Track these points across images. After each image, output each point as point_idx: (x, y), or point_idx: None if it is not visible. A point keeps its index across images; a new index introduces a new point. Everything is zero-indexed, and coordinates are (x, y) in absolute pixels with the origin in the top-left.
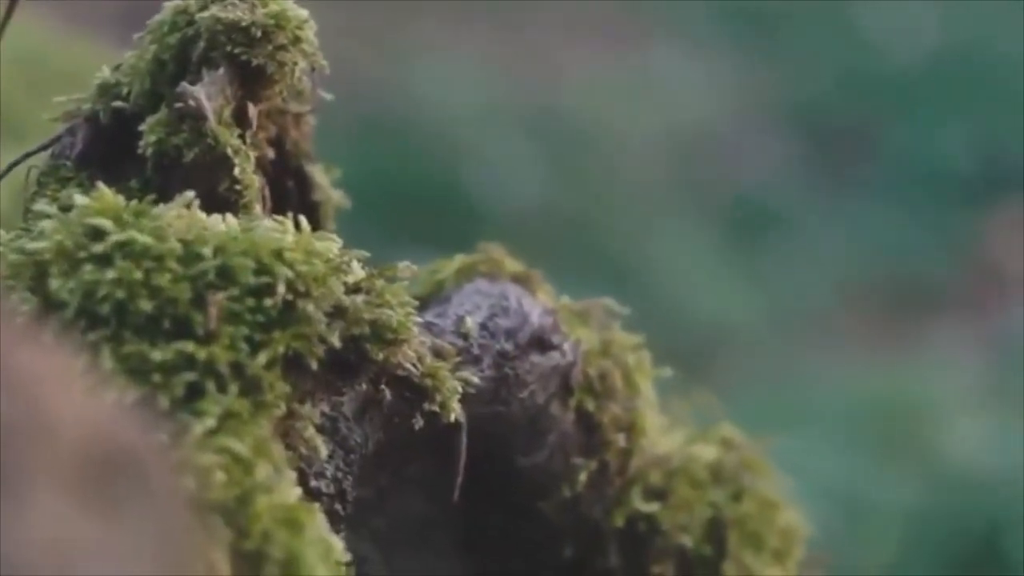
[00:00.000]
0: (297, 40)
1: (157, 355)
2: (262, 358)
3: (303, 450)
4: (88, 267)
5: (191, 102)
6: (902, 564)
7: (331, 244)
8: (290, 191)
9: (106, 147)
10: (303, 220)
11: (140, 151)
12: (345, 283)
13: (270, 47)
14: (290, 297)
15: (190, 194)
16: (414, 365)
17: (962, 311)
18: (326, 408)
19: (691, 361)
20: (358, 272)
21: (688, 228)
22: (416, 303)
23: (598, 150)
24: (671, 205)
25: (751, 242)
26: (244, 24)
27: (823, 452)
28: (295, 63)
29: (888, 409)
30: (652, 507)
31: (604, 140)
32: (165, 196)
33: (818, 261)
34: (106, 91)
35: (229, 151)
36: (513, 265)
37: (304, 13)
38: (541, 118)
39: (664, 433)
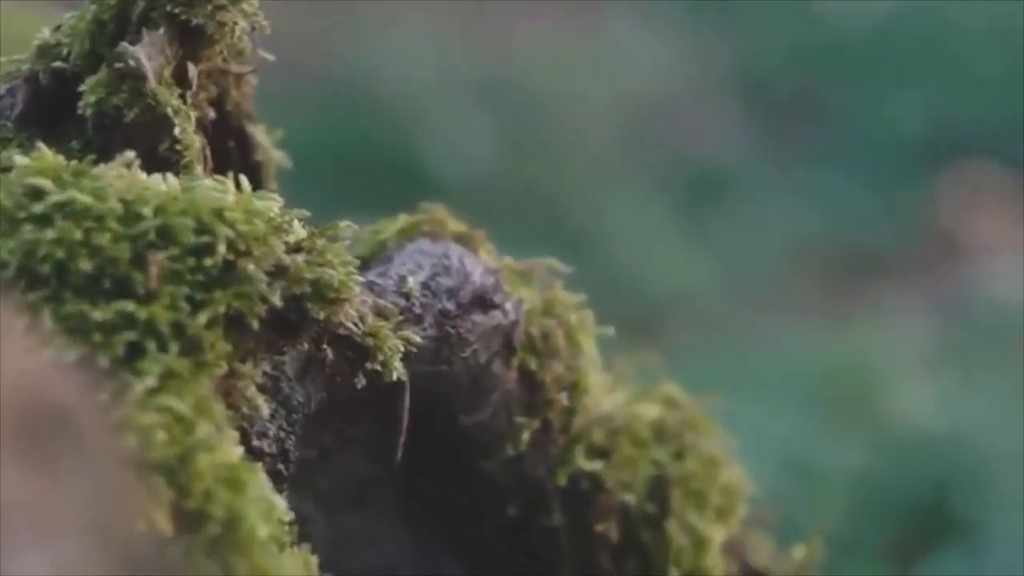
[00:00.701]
0: (237, 0)
1: (97, 315)
2: (203, 317)
3: (245, 409)
4: (28, 227)
5: (131, 62)
6: (851, 526)
7: (272, 204)
8: (231, 151)
9: (46, 108)
10: (244, 180)
11: (80, 111)
12: (286, 242)
13: (210, 7)
14: (231, 256)
15: (130, 154)
16: (356, 324)
17: (912, 275)
18: (268, 367)
19: (644, 327)
20: (299, 231)
21: (641, 195)
22: (358, 262)
23: (552, 119)
24: (624, 173)
25: (703, 209)
26: None
27: (773, 416)
28: (235, 23)
29: (838, 373)
30: (595, 465)
31: (558, 109)
32: (105, 156)
33: (770, 227)
34: (46, 52)
35: (169, 111)
36: (455, 225)
37: None
38: (496, 87)
39: (607, 392)
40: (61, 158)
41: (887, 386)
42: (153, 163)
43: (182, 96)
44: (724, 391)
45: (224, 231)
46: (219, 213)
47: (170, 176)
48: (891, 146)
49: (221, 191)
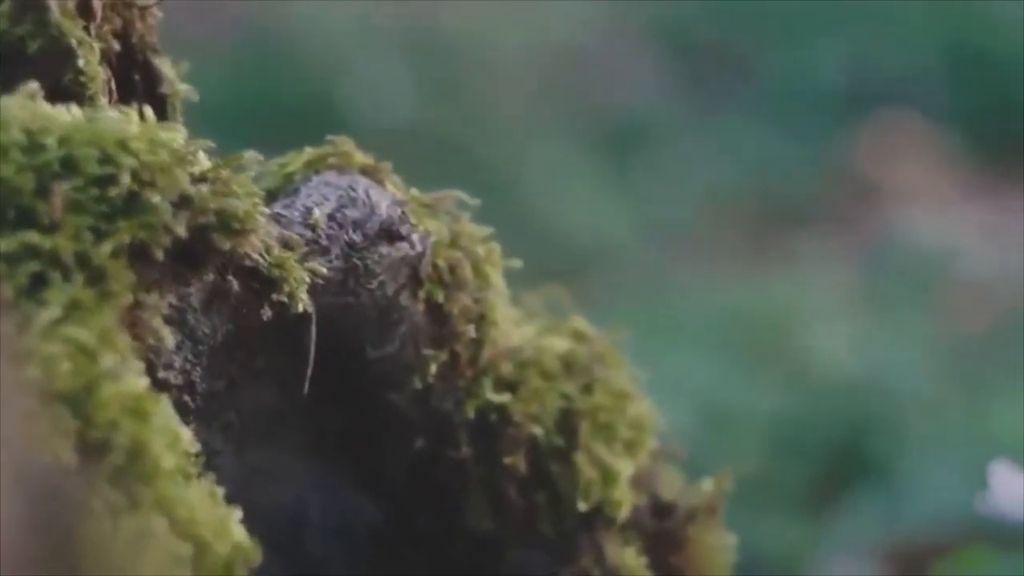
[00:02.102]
0: None
1: (1, 245)
2: (107, 248)
3: (150, 340)
4: None
5: None
6: (768, 468)
7: (176, 135)
8: (136, 84)
9: None
10: (148, 111)
11: None
12: (191, 173)
13: None
14: (135, 187)
15: (34, 85)
16: (261, 255)
17: (832, 224)
18: (173, 299)
19: (563, 275)
20: (204, 162)
21: (562, 145)
22: (263, 193)
23: (471, 68)
24: (545, 122)
25: (623, 158)
26: None
27: (693, 362)
28: None
29: (758, 319)
30: (503, 398)
31: (478, 58)
32: (8, 87)
33: (690, 176)
34: None
35: (73, 43)
36: (362, 157)
37: None
38: (414, 36)
39: (516, 325)
40: None
41: (806, 332)
42: (57, 95)
43: (86, 28)
44: (644, 337)
45: (128, 161)
46: (123, 144)
47: (74, 107)
48: (812, 95)
49: (125, 122)
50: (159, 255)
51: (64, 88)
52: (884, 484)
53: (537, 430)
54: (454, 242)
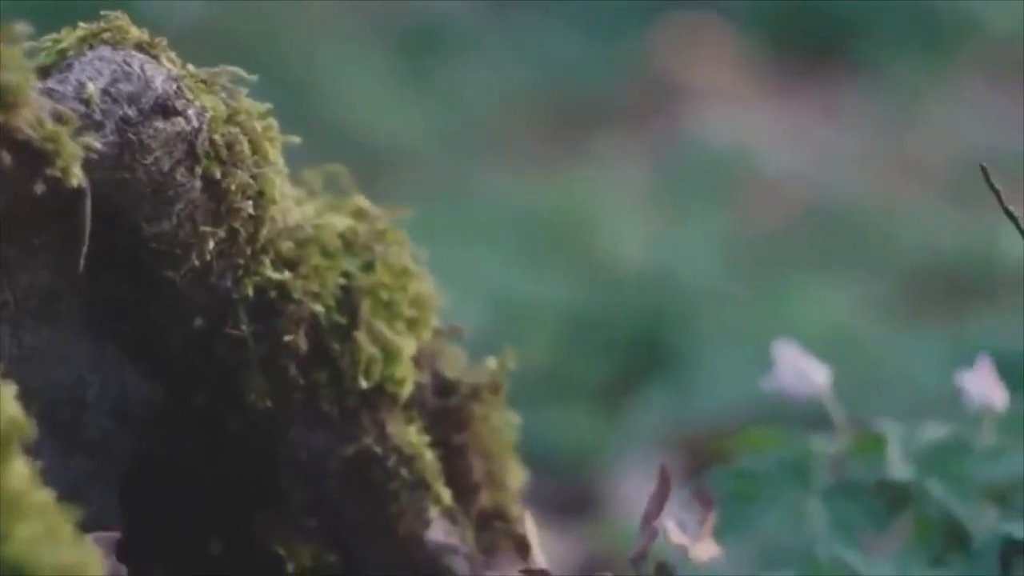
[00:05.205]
0: None
1: None
2: None
3: None
4: None
5: None
6: (565, 361)
7: None
8: None
9: None
10: None
11: None
12: None
13: None
14: None
15: None
16: (33, 129)
17: (629, 123)
18: None
19: (362, 177)
20: None
21: (357, 47)
22: (34, 67)
23: None
24: (342, 26)
25: (420, 59)
26: None
27: (491, 261)
28: None
29: (555, 218)
30: (283, 275)
31: None
32: None
33: (488, 78)
34: None
35: None
36: (137, 33)
37: None
38: None
39: (297, 203)
40: None
41: (603, 229)
42: None
43: None
44: (441, 236)
45: None
46: None
47: None
48: None
49: None
50: None
51: None
52: (678, 376)
53: (318, 308)
54: (231, 118)
